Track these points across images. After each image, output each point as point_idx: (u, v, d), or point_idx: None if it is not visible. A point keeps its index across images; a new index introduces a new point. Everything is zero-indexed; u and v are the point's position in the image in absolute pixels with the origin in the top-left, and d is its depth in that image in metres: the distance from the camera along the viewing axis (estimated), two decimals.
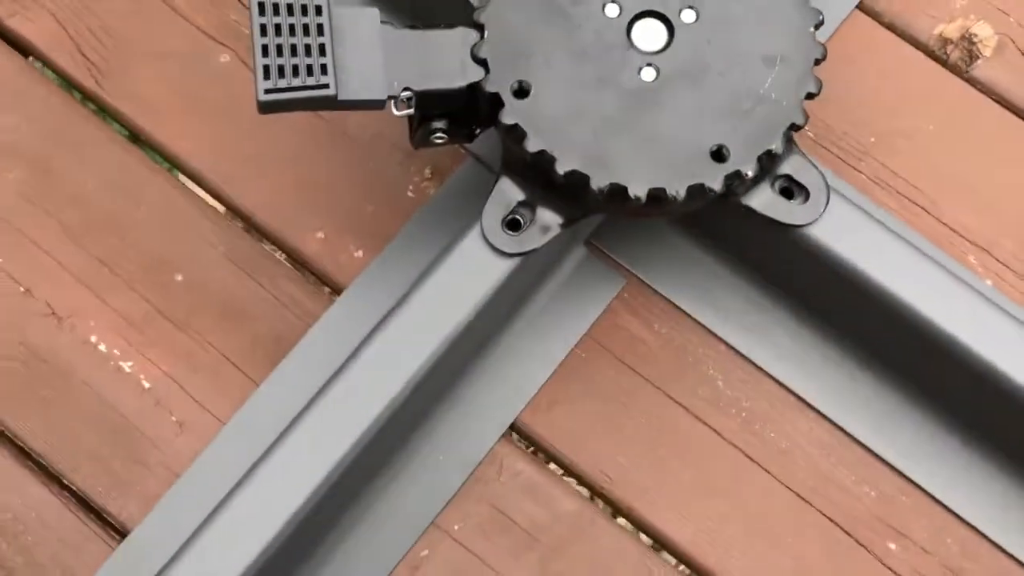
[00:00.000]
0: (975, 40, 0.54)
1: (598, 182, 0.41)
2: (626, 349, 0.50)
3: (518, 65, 0.42)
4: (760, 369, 0.50)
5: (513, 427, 0.49)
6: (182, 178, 0.53)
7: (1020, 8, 0.54)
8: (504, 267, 0.44)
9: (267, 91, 0.38)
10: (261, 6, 0.39)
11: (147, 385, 0.49)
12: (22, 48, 0.55)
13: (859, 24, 0.55)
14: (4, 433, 0.49)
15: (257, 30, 0.39)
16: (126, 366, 0.49)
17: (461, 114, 0.43)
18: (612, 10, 0.42)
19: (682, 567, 0.48)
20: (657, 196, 0.41)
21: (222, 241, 0.51)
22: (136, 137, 0.54)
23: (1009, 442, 0.47)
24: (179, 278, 0.51)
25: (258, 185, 0.52)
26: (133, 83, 0.54)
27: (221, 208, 0.53)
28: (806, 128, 0.53)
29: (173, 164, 0.53)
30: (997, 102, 0.54)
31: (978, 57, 0.54)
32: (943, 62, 0.55)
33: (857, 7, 0.55)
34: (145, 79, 0.54)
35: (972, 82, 0.54)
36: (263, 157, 0.53)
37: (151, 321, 0.50)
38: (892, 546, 0.47)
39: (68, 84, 0.54)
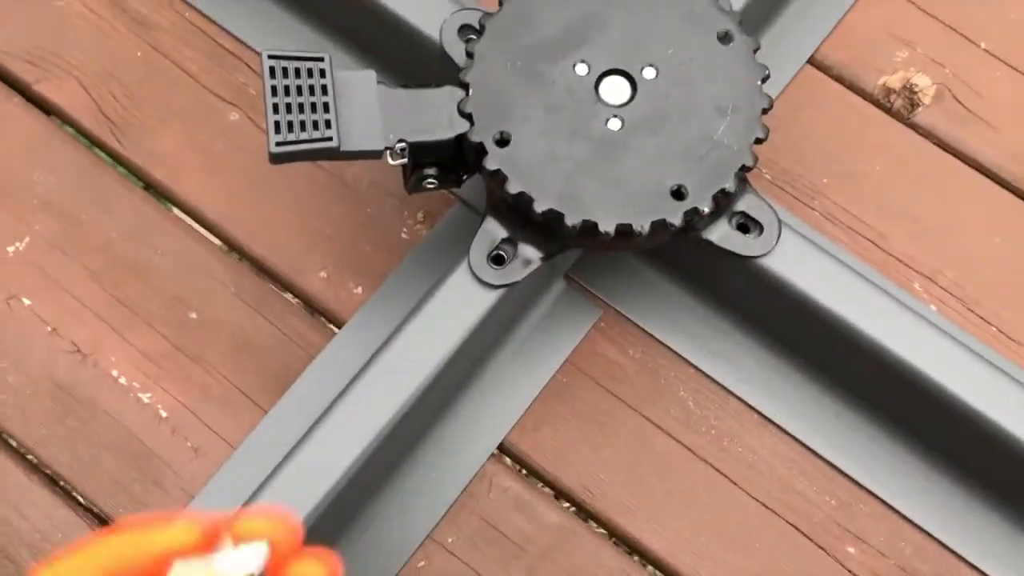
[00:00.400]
0: (915, 90, 0.60)
1: (572, 219, 0.46)
2: (604, 374, 0.55)
3: (499, 118, 0.47)
4: (727, 390, 0.54)
5: (501, 447, 0.53)
6: (196, 226, 0.58)
7: (954, 60, 0.60)
8: (490, 298, 0.49)
9: (278, 144, 0.43)
10: (272, 70, 0.44)
11: (164, 414, 0.54)
12: (49, 110, 0.60)
13: (810, 77, 0.60)
14: (33, 462, 0.53)
15: (268, 91, 0.44)
16: (145, 397, 0.54)
17: (450, 162, 0.48)
18: (582, 69, 0.48)
19: (658, 574, 0.52)
20: (624, 231, 0.46)
21: (233, 282, 0.56)
22: (155, 190, 0.59)
23: (953, 452, 0.52)
24: (193, 316, 0.55)
25: (266, 231, 0.57)
26: (151, 140, 0.59)
27: (232, 252, 0.58)
28: (764, 170, 0.58)
29: (188, 213, 0.58)
30: (937, 145, 0.59)
31: (919, 105, 0.60)
32: (887, 110, 0.60)
33: (808, 62, 0.60)
34: (162, 137, 0.59)
35: (914, 127, 0.60)
36: (270, 205, 0.58)
37: (168, 356, 0.55)
38: (851, 550, 0.52)
39: (92, 143, 0.60)
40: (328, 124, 0.44)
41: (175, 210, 0.59)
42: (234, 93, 0.60)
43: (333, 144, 0.44)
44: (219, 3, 0.61)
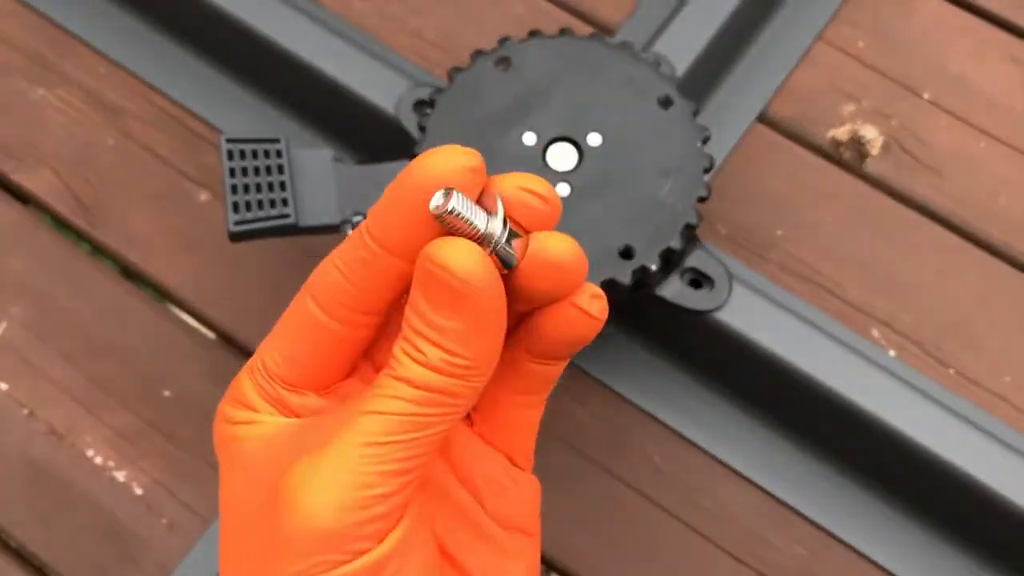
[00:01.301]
0: (863, 141, 0.62)
1: None
2: (570, 432, 0.55)
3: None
4: (693, 444, 0.55)
5: None
6: (169, 305, 0.60)
7: (900, 112, 0.62)
8: None
9: (236, 223, 0.45)
10: (231, 153, 0.46)
11: (139, 492, 0.54)
12: (26, 198, 0.62)
13: (760, 133, 0.62)
14: (9, 544, 0.54)
15: (227, 173, 0.46)
16: (120, 476, 0.55)
17: None
18: (529, 138, 0.50)
19: None
20: None
21: (205, 358, 0.57)
22: (127, 271, 0.60)
23: (920, 499, 0.53)
24: (167, 394, 0.57)
25: (236, 307, 0.59)
26: (123, 223, 0.61)
27: (204, 329, 0.59)
28: (719, 226, 0.60)
29: (161, 293, 0.60)
30: (887, 194, 0.61)
31: (867, 156, 0.62)
32: (837, 162, 0.62)
33: (757, 119, 0.62)
34: (133, 219, 0.61)
35: (864, 178, 0.61)
36: (241, 283, 0.59)
37: (142, 434, 0.56)
38: None
39: (65, 227, 0.61)
40: (285, 202, 0.46)
41: (148, 291, 0.60)
42: (204, 174, 0.62)
43: (290, 220, 0.46)
44: (190, 90, 0.63)
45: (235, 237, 0.45)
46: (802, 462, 0.54)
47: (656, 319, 0.54)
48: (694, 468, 0.54)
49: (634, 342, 0.57)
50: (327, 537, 0.23)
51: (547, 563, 0.53)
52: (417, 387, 0.24)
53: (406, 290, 0.25)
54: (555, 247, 0.26)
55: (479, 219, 0.25)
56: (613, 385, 0.56)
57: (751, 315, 0.51)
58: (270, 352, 0.27)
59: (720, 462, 0.54)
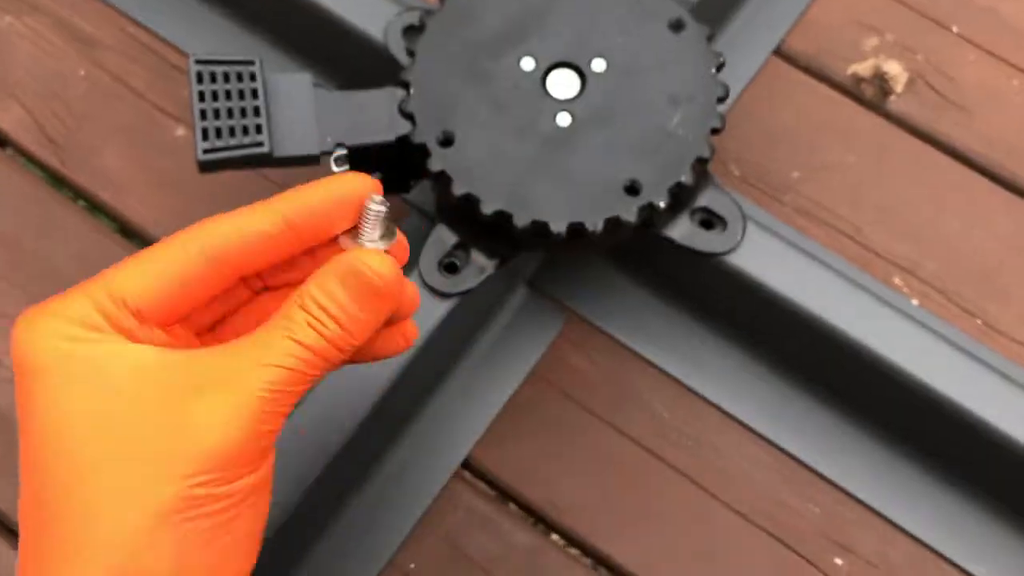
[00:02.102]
0: (887, 77, 0.57)
1: (521, 220, 0.43)
2: (571, 384, 0.52)
3: (443, 117, 0.45)
4: (700, 396, 0.51)
5: (465, 464, 0.51)
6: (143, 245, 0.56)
7: (925, 47, 0.58)
8: (444, 307, 0.47)
9: (205, 151, 0.41)
10: (200, 75, 0.42)
11: None
12: None
13: (777, 68, 0.58)
14: None
15: (195, 96, 0.42)
16: None
17: (395, 167, 0.46)
18: (528, 63, 0.46)
19: None
20: (577, 230, 0.43)
21: None
22: (99, 209, 0.57)
23: (942, 452, 0.49)
24: None
25: None
26: (94, 159, 0.57)
27: None
28: (732, 167, 0.56)
29: (134, 233, 0.56)
30: (911, 133, 0.57)
31: (891, 93, 0.57)
32: (859, 99, 0.58)
33: (773, 53, 0.58)
34: (105, 155, 0.57)
35: (887, 116, 0.57)
36: None
37: None
38: (839, 561, 0.49)
39: (33, 163, 0.57)
40: (259, 129, 0.42)
41: (120, 230, 0.56)
42: (180, 108, 0.58)
43: (264, 149, 0.42)
44: (165, 17, 0.59)
45: (204, 166, 0.41)
46: (818, 416, 0.51)
47: (663, 262, 0.51)
48: (702, 422, 0.51)
49: (639, 287, 0.53)
50: (224, 459, 0.28)
51: (544, 521, 0.50)
52: (313, 352, 0.30)
53: (276, 267, 0.32)
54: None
55: (380, 229, 0.32)
56: (616, 333, 0.52)
57: (766, 258, 0.47)
58: (130, 283, 0.30)
59: (729, 416, 0.51)
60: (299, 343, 0.29)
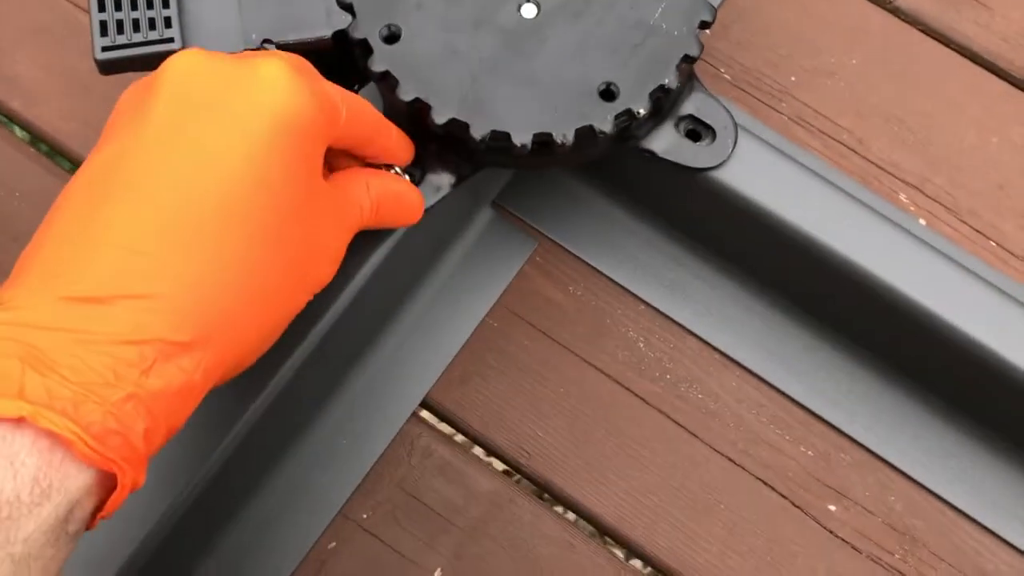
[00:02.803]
0: None
1: (479, 130, 0.37)
2: (541, 315, 0.47)
3: (387, 9, 0.38)
4: (683, 327, 0.46)
5: (424, 404, 0.46)
6: (60, 161, 0.50)
7: None
8: (395, 233, 0.41)
9: (104, 48, 0.35)
10: None
11: None
12: None
13: None
14: None
15: None
16: None
17: (334, 67, 0.40)
18: None
19: (608, 539, 0.45)
20: (544, 142, 0.38)
21: None
22: (10, 121, 0.50)
23: (947, 389, 0.45)
24: None
25: None
26: (5, 64, 0.50)
27: None
28: (722, 70, 0.50)
29: (51, 147, 0.50)
30: (922, 32, 0.51)
31: None
32: None
33: None
34: (15, 58, 0.50)
35: (896, 13, 0.51)
36: None
37: None
38: (832, 508, 0.44)
39: None
40: (168, 22, 0.36)
41: (33, 144, 0.50)
42: None
43: (175, 46, 0.36)
44: None
45: (104, 67, 0.35)
46: (813, 350, 0.46)
47: (643, 178, 0.45)
48: (685, 356, 0.46)
49: (616, 206, 0.47)
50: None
51: (512, 467, 0.45)
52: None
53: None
54: None
55: None
56: (590, 259, 0.47)
57: (760, 174, 0.41)
58: (342, 103, 0.34)
59: (715, 349, 0.46)
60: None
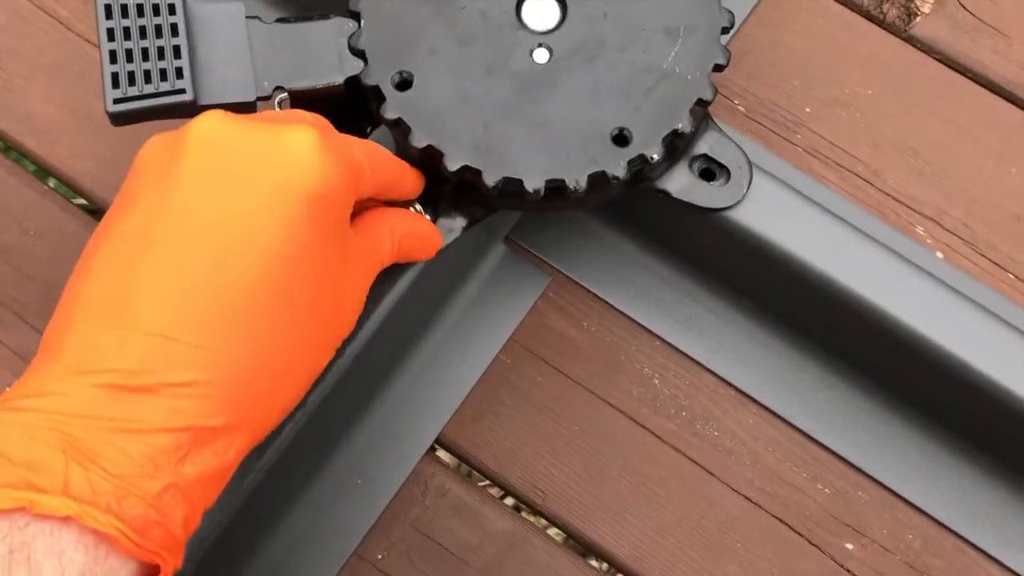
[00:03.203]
0: None
1: (491, 177, 0.37)
2: (555, 351, 0.47)
3: (399, 55, 0.38)
4: (698, 364, 0.46)
5: (437, 442, 0.46)
6: (74, 199, 0.50)
7: None
8: (409, 274, 0.41)
9: (116, 100, 0.35)
10: (108, 8, 0.36)
11: None
12: None
13: None
14: None
15: (104, 35, 0.36)
16: None
17: (346, 112, 0.40)
18: None
19: None
20: (556, 188, 0.37)
21: None
22: (25, 159, 0.51)
23: (966, 427, 0.44)
24: None
25: None
26: (16, 100, 0.50)
27: None
28: (736, 102, 0.49)
29: (64, 184, 0.50)
30: (939, 61, 0.50)
31: (916, 14, 0.51)
32: (879, 22, 0.51)
33: None
34: (29, 95, 0.50)
35: (911, 41, 0.51)
36: None
37: None
38: (850, 546, 0.44)
39: None
40: (180, 73, 0.35)
41: (49, 182, 0.50)
42: None
43: (187, 97, 0.35)
44: None
45: (116, 119, 0.35)
46: (830, 387, 0.45)
47: (657, 216, 0.45)
48: (700, 392, 0.46)
49: (629, 242, 0.47)
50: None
51: (524, 504, 0.45)
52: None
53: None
54: None
55: None
56: (604, 294, 0.47)
57: (775, 213, 0.41)
58: (367, 160, 0.34)
59: (731, 385, 0.46)
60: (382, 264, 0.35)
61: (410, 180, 0.38)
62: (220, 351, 0.28)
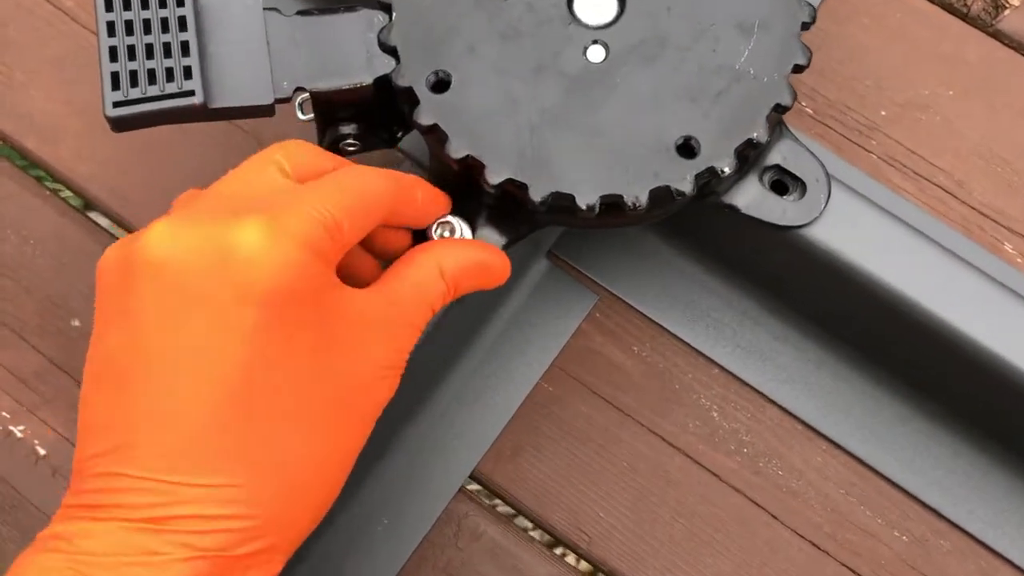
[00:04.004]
0: None
1: (539, 192, 0.33)
2: (602, 379, 0.42)
3: (436, 52, 0.34)
4: (761, 394, 0.42)
5: (471, 479, 0.41)
6: (78, 205, 0.46)
7: None
8: None
9: (116, 104, 0.31)
10: (108, 1, 0.32)
11: (42, 452, 0.42)
12: None
13: None
14: None
15: (103, 29, 0.31)
16: (17, 430, 0.42)
17: (374, 115, 0.36)
18: None
19: None
20: (612, 204, 0.33)
21: None
22: (25, 160, 0.47)
23: None
24: (76, 323, 0.44)
25: (164, 209, 0.45)
26: (17, 98, 0.46)
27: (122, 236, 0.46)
28: (803, 103, 0.45)
29: (68, 188, 0.46)
30: None
31: (1005, 7, 0.46)
32: (962, 16, 0.46)
33: None
34: (30, 93, 0.47)
35: (998, 36, 0.46)
36: (169, 177, 0.45)
37: (45, 376, 0.43)
38: None
39: None
40: (188, 72, 0.31)
41: (49, 186, 0.46)
42: None
43: (196, 100, 0.31)
44: None
45: (117, 124, 0.31)
46: (908, 421, 0.41)
47: (719, 231, 0.40)
48: (763, 427, 0.41)
49: (685, 258, 0.43)
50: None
51: (568, 548, 0.41)
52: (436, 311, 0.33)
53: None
54: None
55: None
56: (656, 316, 0.42)
57: (855, 232, 0.36)
58: (341, 212, 0.30)
59: (798, 419, 0.41)
60: (434, 308, 0.32)
61: (419, 202, 0.33)
62: (227, 481, 0.28)
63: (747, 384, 0.42)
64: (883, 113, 0.45)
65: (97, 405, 0.29)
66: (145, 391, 0.28)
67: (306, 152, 0.32)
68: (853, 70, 0.45)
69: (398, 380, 0.32)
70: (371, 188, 0.31)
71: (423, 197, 0.33)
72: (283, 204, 0.29)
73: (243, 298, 0.28)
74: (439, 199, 0.34)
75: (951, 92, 0.45)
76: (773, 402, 0.42)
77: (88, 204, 0.46)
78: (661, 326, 0.42)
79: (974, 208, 0.44)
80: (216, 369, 0.28)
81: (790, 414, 0.42)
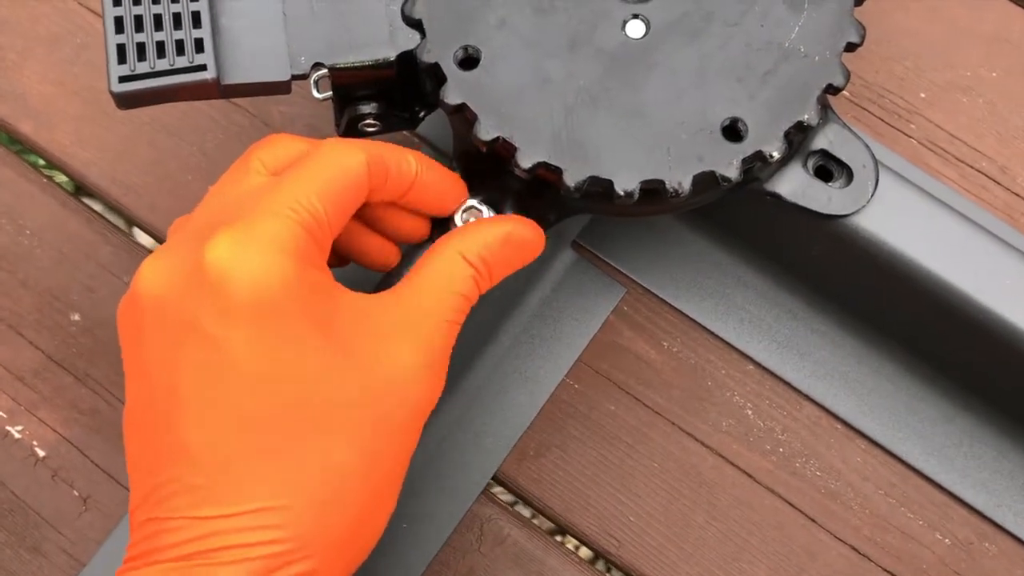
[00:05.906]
0: None
1: (574, 176, 0.31)
2: (630, 375, 0.40)
3: (464, 27, 0.32)
4: (798, 391, 0.40)
5: (495, 481, 0.39)
6: (76, 193, 0.44)
7: None
8: None
9: (122, 78, 0.29)
10: None
11: (41, 453, 0.40)
12: None
13: None
14: None
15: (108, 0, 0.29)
16: (15, 431, 0.40)
17: (396, 94, 0.33)
18: None
19: None
20: (653, 191, 0.31)
21: (126, 269, 0.42)
22: (19, 146, 0.44)
23: None
24: (76, 318, 0.41)
25: (167, 197, 0.43)
26: (10, 79, 0.44)
27: (124, 227, 0.43)
28: None
29: (65, 176, 0.44)
30: None
31: None
32: None
33: None
34: (23, 73, 0.44)
35: None
36: (172, 162, 0.43)
37: (44, 373, 0.41)
38: None
39: None
40: (200, 45, 0.29)
41: (45, 172, 0.44)
42: None
43: (208, 75, 0.29)
44: None
45: (123, 101, 0.29)
46: (951, 420, 0.39)
47: (756, 220, 0.38)
48: (800, 425, 0.39)
49: (718, 248, 0.41)
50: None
51: (596, 552, 0.39)
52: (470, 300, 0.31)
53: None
54: None
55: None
56: (688, 309, 0.40)
57: (905, 220, 0.34)
58: (314, 197, 0.28)
59: (837, 417, 0.39)
60: (465, 296, 0.31)
61: (407, 168, 0.31)
62: (252, 507, 0.27)
63: (783, 380, 0.40)
64: (922, 95, 0.43)
65: (132, 456, 0.29)
66: (162, 432, 0.28)
67: (283, 143, 0.30)
68: (893, 51, 0.43)
69: (439, 379, 0.30)
70: (344, 162, 0.29)
71: (430, 177, 0.31)
72: (252, 207, 0.27)
73: (225, 317, 0.27)
74: (447, 179, 0.32)
75: (994, 73, 0.43)
76: (810, 399, 0.40)
77: (80, 189, 0.44)
78: (693, 320, 0.40)
79: (1018, 195, 0.42)
80: (219, 395, 0.27)
81: (828, 412, 0.40)
